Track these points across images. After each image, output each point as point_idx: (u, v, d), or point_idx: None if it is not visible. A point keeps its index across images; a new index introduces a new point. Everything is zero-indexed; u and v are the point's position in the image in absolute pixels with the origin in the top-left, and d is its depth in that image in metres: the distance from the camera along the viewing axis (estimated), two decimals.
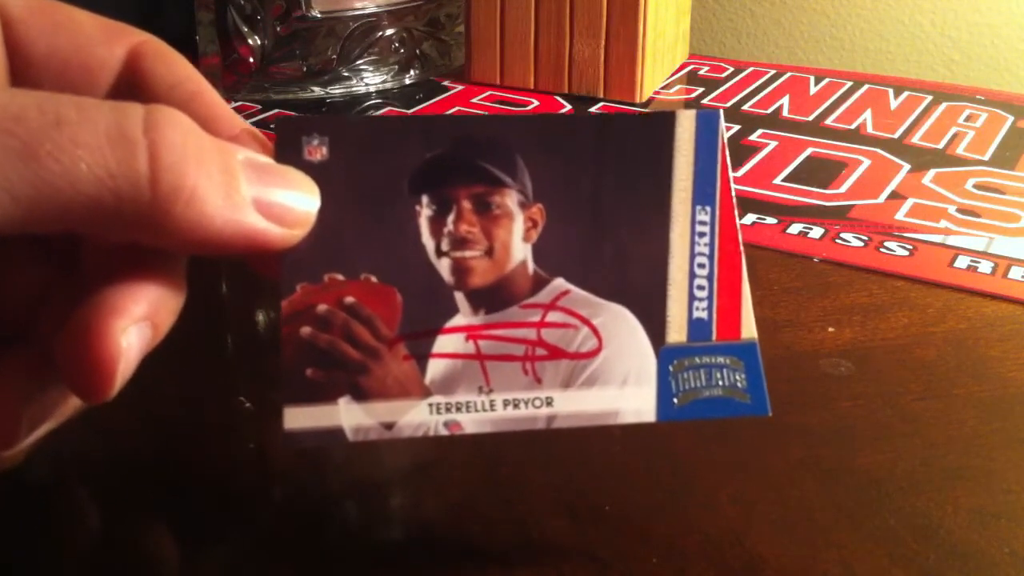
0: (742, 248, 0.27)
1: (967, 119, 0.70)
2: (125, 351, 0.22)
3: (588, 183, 0.27)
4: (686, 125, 0.27)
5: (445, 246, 0.26)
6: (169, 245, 0.22)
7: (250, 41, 0.71)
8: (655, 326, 0.27)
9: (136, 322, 0.22)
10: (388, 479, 0.35)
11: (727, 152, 0.27)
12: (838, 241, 0.52)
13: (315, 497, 0.34)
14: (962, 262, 0.50)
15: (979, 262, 0.50)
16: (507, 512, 0.33)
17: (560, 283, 0.27)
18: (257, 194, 0.23)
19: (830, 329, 0.43)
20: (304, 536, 0.32)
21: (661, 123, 0.27)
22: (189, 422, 0.38)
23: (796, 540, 0.31)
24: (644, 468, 0.35)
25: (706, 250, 0.27)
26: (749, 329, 0.27)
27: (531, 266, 0.27)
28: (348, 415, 0.25)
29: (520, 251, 0.27)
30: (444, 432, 0.26)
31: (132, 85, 0.26)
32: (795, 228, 0.53)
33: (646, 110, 0.71)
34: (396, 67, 0.76)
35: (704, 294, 0.27)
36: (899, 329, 0.44)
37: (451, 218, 0.26)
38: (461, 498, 0.33)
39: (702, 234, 0.27)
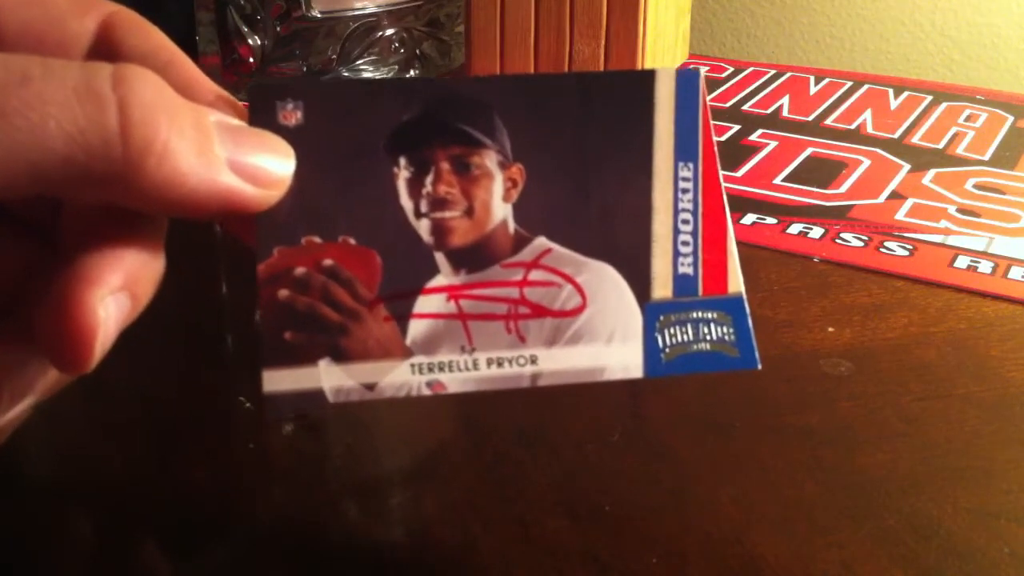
0: (727, 204, 0.27)
1: (967, 119, 0.70)
2: (103, 321, 0.21)
3: (568, 142, 0.27)
4: (666, 83, 0.27)
5: (424, 207, 0.26)
6: (142, 205, 0.22)
7: (250, 41, 0.71)
8: (640, 282, 0.27)
9: (113, 292, 0.22)
10: (388, 479, 0.35)
11: (708, 110, 0.27)
12: (838, 241, 0.52)
13: (315, 497, 0.34)
14: (962, 262, 0.50)
15: (979, 262, 0.50)
16: (507, 512, 0.33)
17: (542, 241, 0.26)
18: (231, 155, 0.23)
19: (830, 329, 0.43)
20: (304, 536, 0.32)
21: (641, 81, 0.27)
22: (189, 422, 0.38)
23: (796, 540, 0.31)
24: (644, 468, 0.35)
25: (690, 206, 0.27)
26: (736, 284, 0.27)
27: (512, 225, 0.26)
28: (328, 377, 0.25)
29: (500, 211, 0.26)
30: (427, 392, 0.26)
31: (105, 56, 0.25)
32: (795, 228, 0.53)
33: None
34: (396, 67, 0.76)
35: (689, 249, 0.27)
36: (899, 329, 0.44)
37: (429, 179, 0.26)
38: (461, 498, 0.33)
39: (685, 190, 0.27)
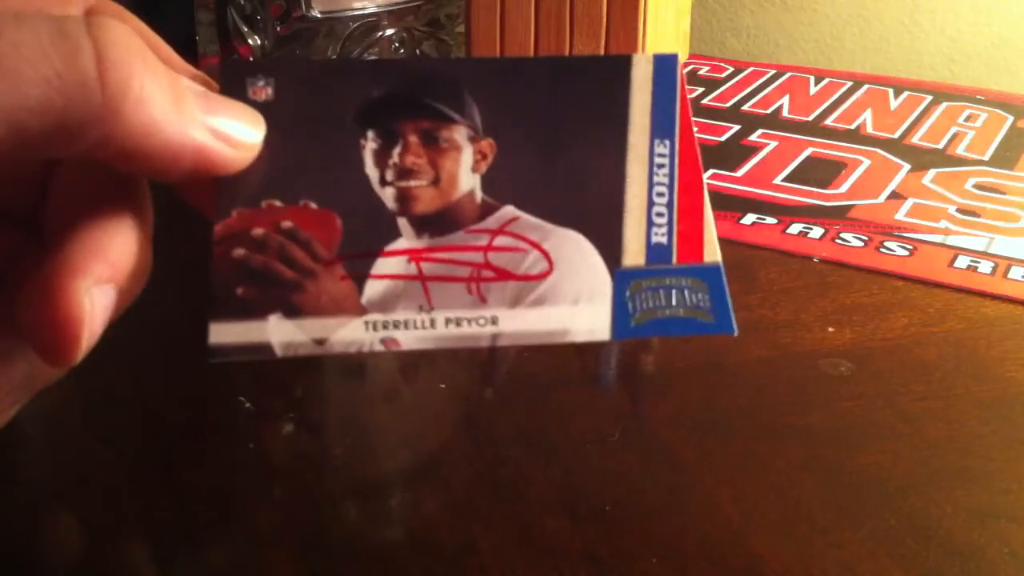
0: (704, 180, 0.28)
1: (967, 119, 0.70)
2: (88, 312, 0.21)
3: (541, 118, 0.27)
4: (643, 67, 0.27)
5: (390, 176, 0.26)
6: (118, 158, 0.22)
7: (250, 41, 0.71)
8: (611, 250, 0.27)
9: (98, 283, 0.22)
10: (388, 479, 0.35)
11: (686, 91, 0.28)
12: (838, 241, 0.52)
13: (315, 497, 0.34)
14: (962, 262, 0.50)
15: (979, 262, 0.49)
16: (507, 512, 0.33)
17: (509, 210, 0.26)
18: (204, 117, 0.23)
19: (830, 329, 0.43)
20: (304, 536, 0.32)
21: (617, 65, 0.28)
22: (189, 422, 0.38)
23: (796, 540, 0.31)
24: (644, 468, 0.35)
25: (665, 180, 0.27)
26: (713, 253, 0.27)
27: (479, 195, 0.26)
28: (278, 331, 0.25)
29: (468, 181, 0.26)
30: (380, 348, 0.25)
31: None
32: (795, 228, 0.53)
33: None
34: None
35: (663, 220, 0.27)
36: (899, 329, 0.44)
37: (397, 150, 0.26)
38: (461, 498, 0.33)
39: (661, 165, 0.27)
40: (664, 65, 0.27)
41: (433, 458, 0.36)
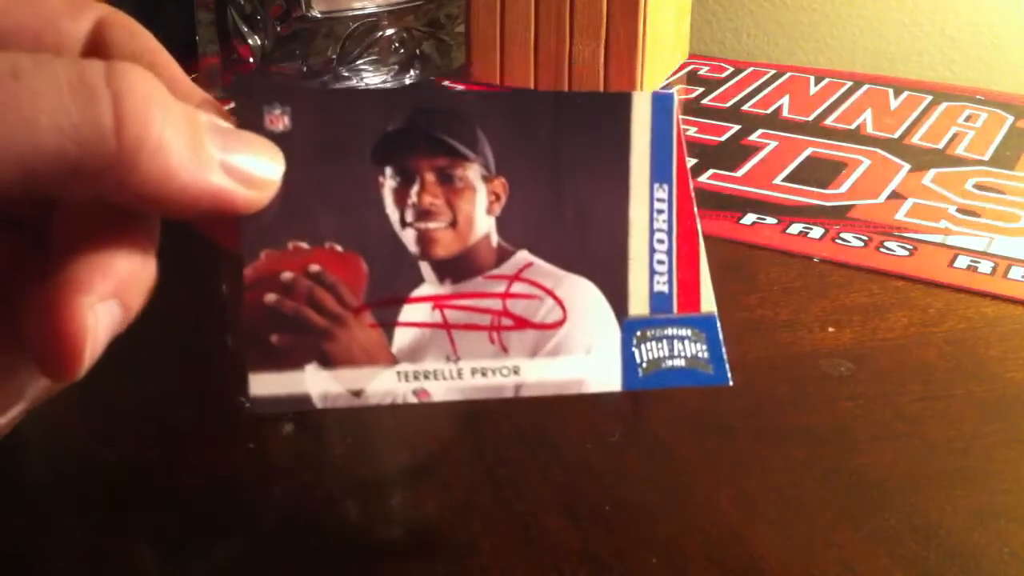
0: (699, 226, 0.28)
1: (967, 119, 0.70)
2: (92, 328, 0.21)
3: (548, 158, 0.27)
4: (642, 106, 0.28)
5: (409, 217, 0.26)
6: (132, 201, 0.21)
7: (250, 41, 0.71)
8: (617, 298, 0.27)
9: (104, 299, 0.22)
10: (389, 479, 0.35)
11: (682, 134, 0.28)
12: (838, 241, 0.52)
13: (315, 497, 0.34)
14: (962, 262, 0.50)
15: (979, 262, 0.50)
16: (507, 512, 0.33)
17: (524, 255, 0.27)
18: (222, 156, 0.23)
19: (830, 329, 0.43)
20: (304, 536, 0.32)
21: (617, 103, 0.28)
22: (189, 422, 0.38)
23: (796, 540, 0.31)
24: (644, 468, 0.35)
25: (665, 226, 0.28)
26: (708, 303, 0.28)
27: (495, 238, 0.27)
28: (315, 381, 0.25)
29: (484, 223, 0.27)
30: (413, 400, 0.26)
31: (96, 57, 0.26)
32: (795, 228, 0.53)
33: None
34: (396, 67, 0.76)
35: (664, 268, 0.28)
36: (899, 329, 0.44)
37: (415, 189, 0.26)
38: (461, 498, 0.33)
39: (660, 211, 0.28)
40: (662, 104, 0.28)
41: (433, 458, 0.36)
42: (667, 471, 0.35)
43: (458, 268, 0.27)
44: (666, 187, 0.28)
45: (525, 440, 0.36)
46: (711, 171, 0.61)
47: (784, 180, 0.59)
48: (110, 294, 0.22)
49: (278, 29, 0.71)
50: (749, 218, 0.54)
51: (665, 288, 0.27)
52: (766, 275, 0.48)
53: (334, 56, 0.73)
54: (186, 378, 0.41)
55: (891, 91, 0.75)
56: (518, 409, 0.38)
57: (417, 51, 0.77)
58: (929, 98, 0.74)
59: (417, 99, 0.27)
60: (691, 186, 0.28)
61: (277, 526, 0.32)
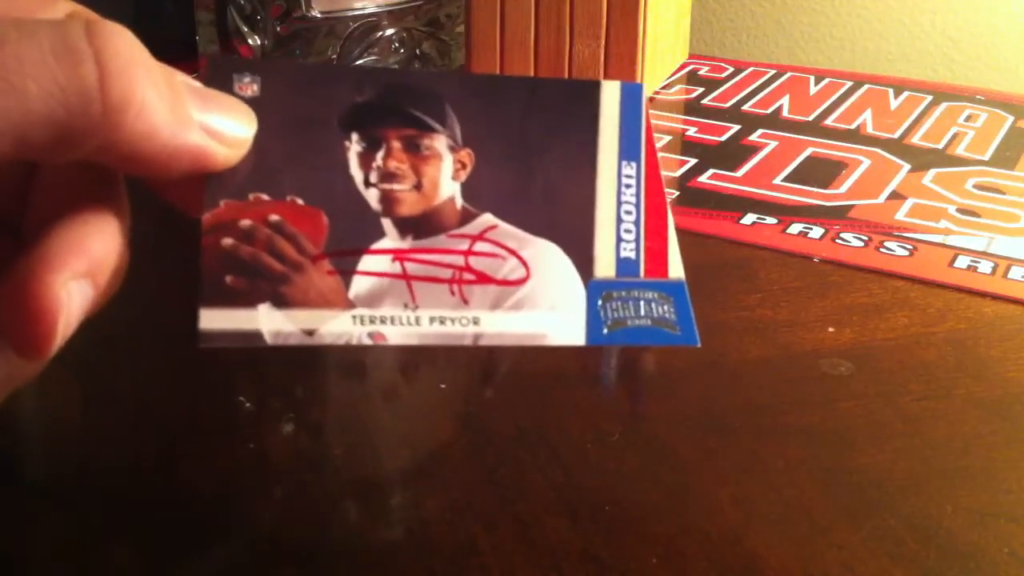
0: (668, 201, 0.29)
1: (967, 119, 0.70)
2: (65, 305, 0.22)
3: (517, 134, 0.28)
4: (611, 93, 0.29)
5: (373, 178, 0.27)
6: (117, 161, 0.22)
7: (250, 41, 0.71)
8: (583, 262, 0.28)
9: (76, 277, 0.22)
10: (388, 479, 0.35)
11: (650, 118, 0.29)
12: (838, 241, 0.52)
13: (315, 497, 0.34)
14: (962, 262, 0.50)
15: (979, 262, 0.50)
16: (507, 512, 0.33)
17: (488, 217, 0.27)
18: (199, 116, 0.23)
19: (830, 329, 0.43)
20: (304, 536, 0.32)
21: (587, 90, 0.29)
22: (189, 422, 0.38)
23: (796, 540, 0.31)
24: (644, 468, 0.35)
25: (632, 199, 0.29)
26: (676, 270, 0.28)
27: (459, 201, 0.27)
28: (267, 320, 0.25)
29: (449, 187, 0.27)
30: (368, 342, 0.26)
31: None
32: (795, 228, 0.53)
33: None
34: (396, 67, 0.76)
35: (631, 237, 0.28)
36: (899, 329, 0.44)
37: (380, 154, 0.27)
38: (461, 498, 0.33)
39: (628, 185, 0.29)
40: (630, 93, 0.29)
41: (433, 458, 0.36)
42: (667, 471, 0.35)
43: (421, 225, 0.27)
44: (634, 165, 0.29)
45: (525, 440, 0.36)
46: (711, 171, 0.61)
47: (784, 180, 0.59)
48: (83, 273, 0.22)
49: (278, 29, 0.71)
50: (749, 218, 0.54)
51: (632, 255, 0.28)
52: (766, 275, 0.48)
53: (334, 56, 0.73)
54: (186, 377, 0.41)
55: (891, 91, 0.75)
56: (518, 409, 0.38)
57: (417, 51, 0.77)
58: (929, 98, 0.74)
59: (387, 78, 0.28)
60: (660, 166, 0.29)
61: (277, 526, 0.32)
